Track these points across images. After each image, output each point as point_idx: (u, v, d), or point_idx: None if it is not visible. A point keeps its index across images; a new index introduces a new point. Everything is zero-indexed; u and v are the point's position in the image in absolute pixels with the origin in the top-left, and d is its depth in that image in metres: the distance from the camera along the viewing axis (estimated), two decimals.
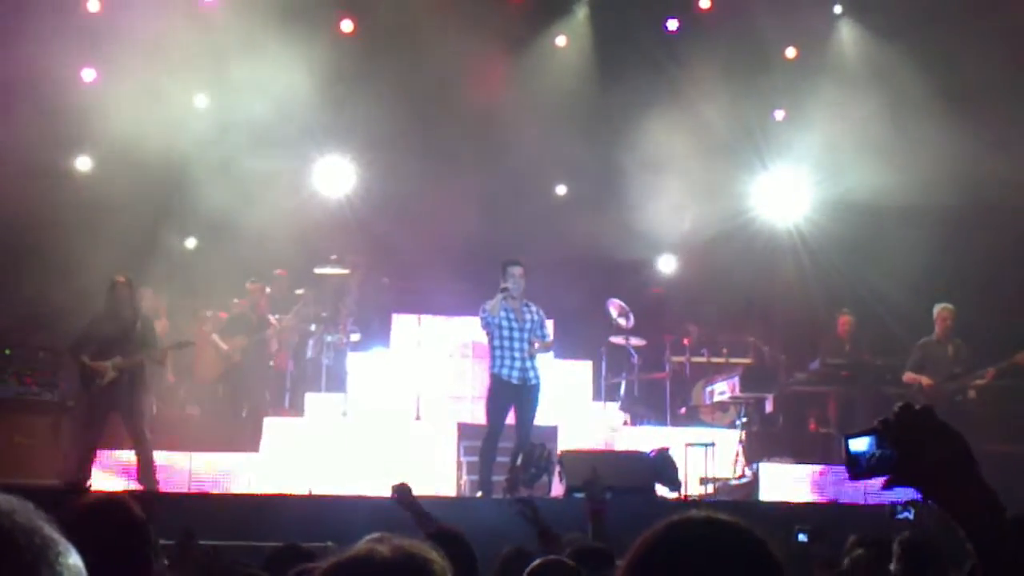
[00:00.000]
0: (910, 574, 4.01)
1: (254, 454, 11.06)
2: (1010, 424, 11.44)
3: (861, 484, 9.61)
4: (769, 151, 14.81)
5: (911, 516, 5.35)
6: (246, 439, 11.43)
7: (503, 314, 9.80)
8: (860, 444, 1.78)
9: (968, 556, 1.65)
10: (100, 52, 13.34)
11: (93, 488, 9.07)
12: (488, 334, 9.95)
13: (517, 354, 9.72)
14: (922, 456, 1.69)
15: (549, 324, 10.50)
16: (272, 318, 12.55)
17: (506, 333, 9.78)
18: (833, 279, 14.13)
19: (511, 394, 9.73)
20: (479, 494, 9.33)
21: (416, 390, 11.84)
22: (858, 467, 1.78)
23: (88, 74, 13.67)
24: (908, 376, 11.52)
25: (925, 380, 11.37)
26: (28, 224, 12.26)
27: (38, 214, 12.18)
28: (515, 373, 9.72)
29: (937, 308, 11.60)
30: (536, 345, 9.83)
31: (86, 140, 13.17)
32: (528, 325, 9.88)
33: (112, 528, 2.69)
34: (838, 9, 15.29)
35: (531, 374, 9.77)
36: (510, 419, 9.81)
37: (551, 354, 11.39)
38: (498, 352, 9.81)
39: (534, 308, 10.01)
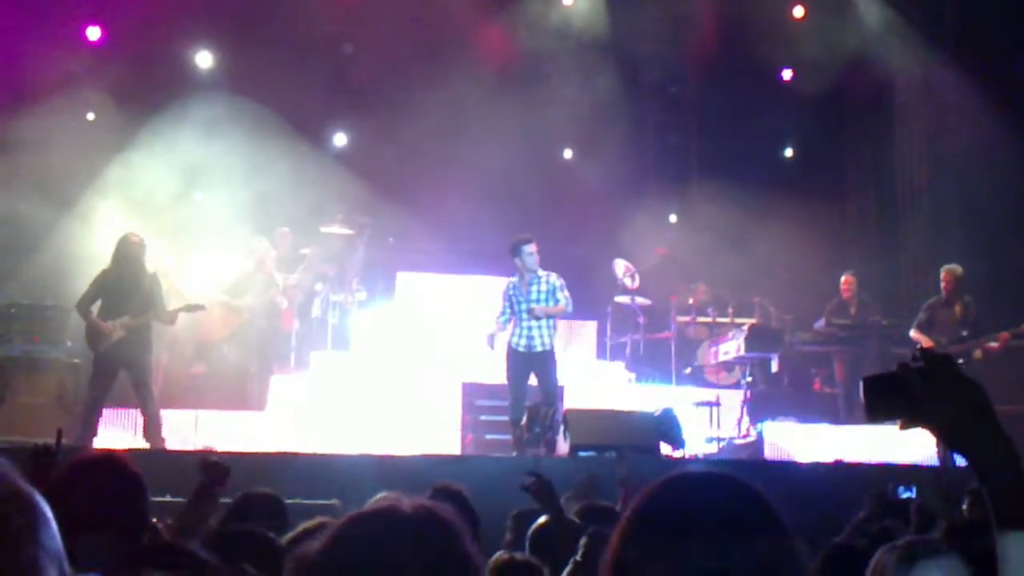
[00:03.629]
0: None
1: (260, 412, 11.10)
2: (1013, 385, 11.39)
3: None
4: None
5: (913, 495, 5.32)
6: (253, 398, 11.47)
7: (511, 291, 10.29)
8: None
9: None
10: (104, 10, 13.32)
11: (98, 445, 9.10)
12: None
13: (523, 323, 10.15)
14: (940, 399, 1.70)
15: None
16: (278, 276, 12.47)
17: (514, 304, 10.25)
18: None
19: (521, 362, 10.13)
20: (514, 453, 9.68)
21: (421, 349, 11.87)
22: (875, 409, 1.79)
23: (93, 32, 13.62)
24: (914, 334, 11.44)
25: (926, 341, 11.25)
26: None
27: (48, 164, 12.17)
28: (522, 341, 10.16)
29: (942, 269, 11.52)
30: (535, 309, 10.07)
31: (92, 91, 13.13)
32: (534, 296, 10.16)
33: (106, 483, 2.69)
34: None
35: (536, 342, 10.13)
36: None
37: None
38: (511, 323, 10.30)
39: (546, 279, 10.23)
